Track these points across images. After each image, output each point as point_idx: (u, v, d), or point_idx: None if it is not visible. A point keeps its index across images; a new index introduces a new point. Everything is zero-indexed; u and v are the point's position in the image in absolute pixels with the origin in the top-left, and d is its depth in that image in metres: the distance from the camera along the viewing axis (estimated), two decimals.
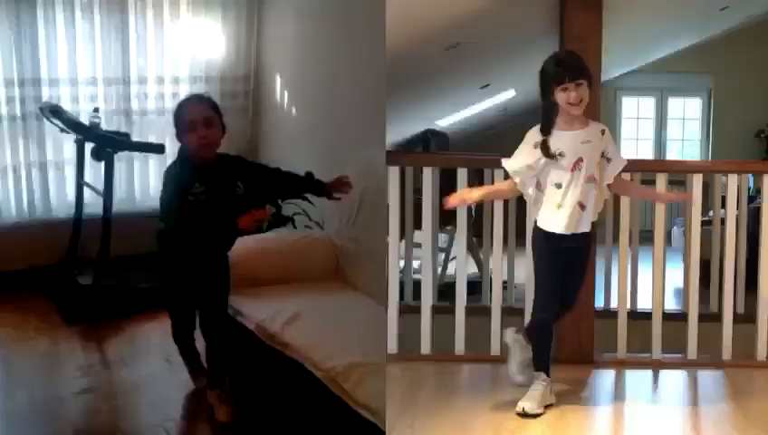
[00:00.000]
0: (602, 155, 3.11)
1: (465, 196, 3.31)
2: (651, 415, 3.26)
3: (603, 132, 3.14)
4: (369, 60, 4.11)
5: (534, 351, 3.24)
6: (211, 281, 3.22)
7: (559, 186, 3.07)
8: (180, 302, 3.41)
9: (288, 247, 3.99)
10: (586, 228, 3.11)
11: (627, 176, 3.70)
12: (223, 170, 3.17)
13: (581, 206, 3.07)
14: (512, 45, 6.01)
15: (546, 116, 3.09)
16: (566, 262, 3.17)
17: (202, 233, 3.10)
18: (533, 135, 3.12)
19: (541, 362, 3.21)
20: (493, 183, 4.10)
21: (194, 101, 3.21)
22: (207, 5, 5.43)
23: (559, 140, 3.07)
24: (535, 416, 3.08)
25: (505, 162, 3.20)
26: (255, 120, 5.78)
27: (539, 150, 3.08)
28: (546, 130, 3.08)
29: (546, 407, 3.15)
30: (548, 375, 3.20)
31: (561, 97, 3.01)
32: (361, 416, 2.65)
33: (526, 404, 3.10)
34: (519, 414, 3.09)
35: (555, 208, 3.09)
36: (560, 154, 3.05)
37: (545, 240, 3.14)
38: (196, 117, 3.06)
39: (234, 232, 3.17)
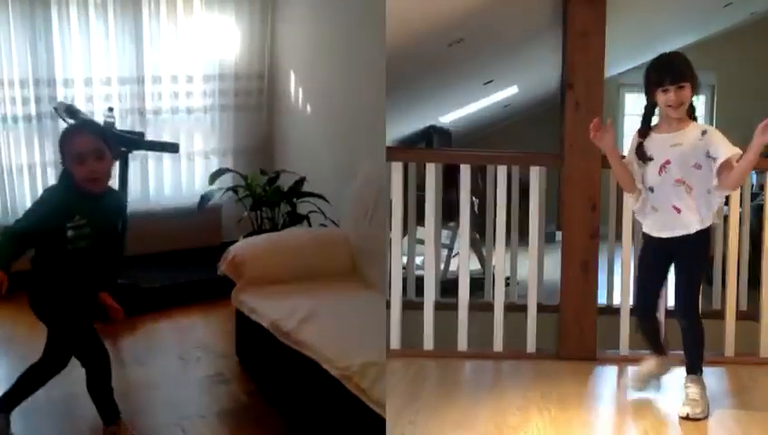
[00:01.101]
0: (707, 155, 3.01)
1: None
2: (653, 412, 3.26)
3: (705, 133, 3.04)
4: (373, 56, 4.11)
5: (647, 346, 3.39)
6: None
7: (652, 189, 3.09)
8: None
9: (303, 245, 3.98)
10: (685, 231, 3.06)
11: None
12: (109, 205, 2.96)
13: (675, 209, 3.05)
14: (515, 41, 6.01)
15: (644, 117, 3.11)
16: (669, 264, 3.21)
17: (76, 274, 2.87)
18: (634, 136, 3.13)
19: (654, 349, 3.38)
20: (495, 180, 4.11)
21: (81, 130, 2.98)
22: (221, 3, 5.44)
23: (652, 143, 3.07)
24: (703, 419, 3.09)
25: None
26: (270, 118, 5.79)
27: (634, 153, 3.10)
28: (643, 133, 3.09)
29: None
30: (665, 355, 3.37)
31: (660, 98, 3.00)
32: (367, 413, 2.65)
33: (691, 410, 3.10)
34: (683, 418, 3.09)
35: (651, 211, 3.12)
36: (650, 158, 3.06)
37: (646, 241, 3.22)
38: (85, 149, 2.80)
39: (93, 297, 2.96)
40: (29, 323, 4.40)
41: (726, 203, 4.05)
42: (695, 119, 3.09)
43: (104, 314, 3.05)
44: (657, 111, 3.11)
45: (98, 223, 2.84)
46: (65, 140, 2.88)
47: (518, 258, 4.96)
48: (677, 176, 3.03)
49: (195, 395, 3.61)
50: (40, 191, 5.04)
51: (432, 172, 3.98)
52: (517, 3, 4.80)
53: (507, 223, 4.15)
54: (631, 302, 3.84)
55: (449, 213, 4.75)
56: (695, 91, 3.03)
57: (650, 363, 3.41)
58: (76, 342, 2.97)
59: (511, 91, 7.96)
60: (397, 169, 3.91)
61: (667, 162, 3.03)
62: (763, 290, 3.88)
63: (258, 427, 3.28)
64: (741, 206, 4.12)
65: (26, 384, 3.04)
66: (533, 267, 4.03)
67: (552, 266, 4.22)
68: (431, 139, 8.23)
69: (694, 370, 3.21)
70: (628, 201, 3.87)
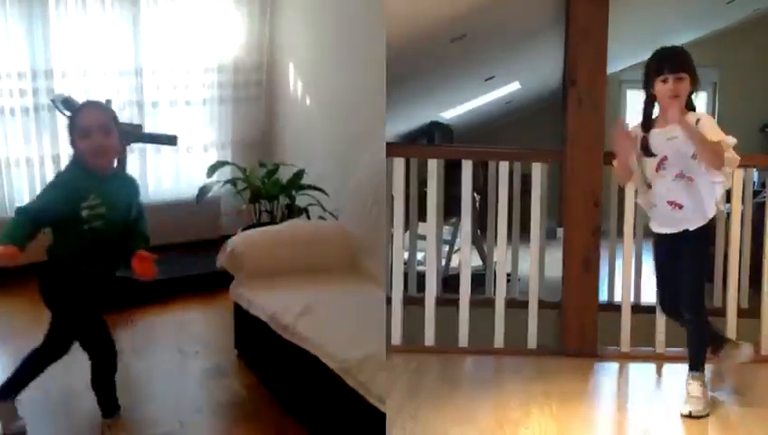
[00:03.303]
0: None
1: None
2: (654, 408, 3.26)
3: (698, 121, 2.97)
4: (374, 50, 4.11)
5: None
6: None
7: (650, 186, 3.08)
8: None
9: (302, 238, 3.97)
10: (686, 226, 3.04)
11: None
12: (121, 186, 2.98)
13: (674, 205, 3.02)
14: (517, 37, 6.00)
15: (645, 111, 3.08)
16: (675, 261, 3.13)
17: (92, 257, 2.88)
18: (635, 131, 3.09)
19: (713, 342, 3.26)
20: (497, 176, 4.10)
21: (91, 107, 3.01)
22: None
23: (651, 138, 3.04)
24: (704, 416, 3.06)
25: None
26: (269, 110, 5.78)
27: (637, 147, 3.05)
28: (645, 126, 3.05)
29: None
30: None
31: (660, 89, 2.98)
32: (367, 406, 2.65)
33: (693, 408, 3.07)
34: (685, 416, 3.07)
35: (652, 207, 3.11)
36: (653, 154, 3.03)
37: (654, 238, 3.18)
38: (92, 123, 2.84)
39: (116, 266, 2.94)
40: (28, 316, 4.45)
41: (728, 200, 4.05)
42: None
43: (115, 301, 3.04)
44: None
45: (112, 202, 2.87)
46: (74, 116, 2.92)
47: (519, 254, 4.95)
48: (676, 171, 3.01)
49: (193, 388, 3.62)
50: (37, 184, 5.09)
51: (434, 168, 3.98)
52: None
53: (509, 219, 4.14)
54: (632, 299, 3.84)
55: (451, 209, 4.75)
56: (694, 87, 2.99)
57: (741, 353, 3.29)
58: (83, 329, 2.98)
59: (513, 87, 7.95)
60: (398, 164, 3.91)
61: (665, 158, 3.01)
62: (764, 287, 3.87)
63: (256, 420, 3.28)
64: (743, 203, 4.11)
65: (26, 371, 3.05)
66: (535, 264, 4.03)
67: (554, 263, 4.22)
68: (433, 134, 8.22)
69: (696, 367, 3.18)
70: (630, 197, 3.88)
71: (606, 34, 3.84)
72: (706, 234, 3.09)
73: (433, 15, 4.27)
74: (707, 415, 3.08)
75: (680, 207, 3.02)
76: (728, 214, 4.03)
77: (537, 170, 3.98)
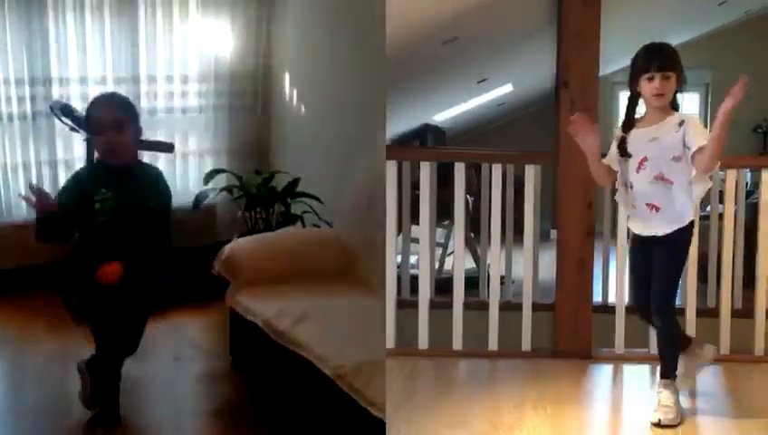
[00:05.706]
0: (685, 145, 2.89)
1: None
2: (649, 410, 3.25)
3: (682, 123, 2.89)
4: (371, 56, 4.10)
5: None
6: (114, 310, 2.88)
7: (631, 186, 2.99)
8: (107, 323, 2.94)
9: (296, 246, 3.97)
10: (663, 229, 2.96)
11: None
12: (139, 180, 2.91)
13: (652, 207, 2.94)
14: (509, 40, 6.01)
15: (628, 110, 3.00)
16: (649, 262, 3.04)
17: (105, 254, 2.80)
18: (617, 131, 3.03)
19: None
20: (490, 178, 4.10)
21: (103, 100, 2.95)
22: (217, 3, 5.42)
23: (631, 138, 2.97)
24: (675, 426, 2.96)
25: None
26: (264, 118, 5.78)
27: (616, 149, 3.00)
28: (626, 127, 2.98)
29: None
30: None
31: (645, 87, 2.90)
32: (366, 413, 2.64)
33: (664, 417, 2.96)
34: (655, 425, 2.96)
35: (632, 208, 3.04)
36: (629, 154, 2.96)
37: (632, 237, 3.15)
38: (102, 119, 2.81)
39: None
40: (22, 322, 4.43)
41: (721, 201, 4.06)
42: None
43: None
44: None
45: (123, 197, 2.80)
46: (90, 109, 2.86)
47: (513, 257, 4.95)
48: (655, 172, 2.93)
49: (189, 394, 3.61)
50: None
51: (427, 171, 3.98)
52: (512, 1, 4.80)
53: (502, 221, 4.14)
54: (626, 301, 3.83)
55: (444, 211, 4.74)
56: (680, 86, 2.92)
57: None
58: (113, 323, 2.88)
59: (505, 89, 7.97)
60: (391, 167, 3.90)
61: (645, 159, 2.93)
62: (757, 288, 3.88)
63: (252, 426, 3.27)
64: (736, 203, 4.12)
65: (102, 379, 2.98)
66: (528, 266, 4.03)
67: (548, 265, 4.22)
68: (425, 137, 8.23)
69: (666, 374, 3.08)
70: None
71: (598, 36, 3.85)
72: (682, 237, 3.01)
73: (424, 18, 4.28)
74: (679, 424, 2.97)
75: (657, 209, 2.94)
76: (721, 214, 4.03)
77: (530, 172, 3.98)
